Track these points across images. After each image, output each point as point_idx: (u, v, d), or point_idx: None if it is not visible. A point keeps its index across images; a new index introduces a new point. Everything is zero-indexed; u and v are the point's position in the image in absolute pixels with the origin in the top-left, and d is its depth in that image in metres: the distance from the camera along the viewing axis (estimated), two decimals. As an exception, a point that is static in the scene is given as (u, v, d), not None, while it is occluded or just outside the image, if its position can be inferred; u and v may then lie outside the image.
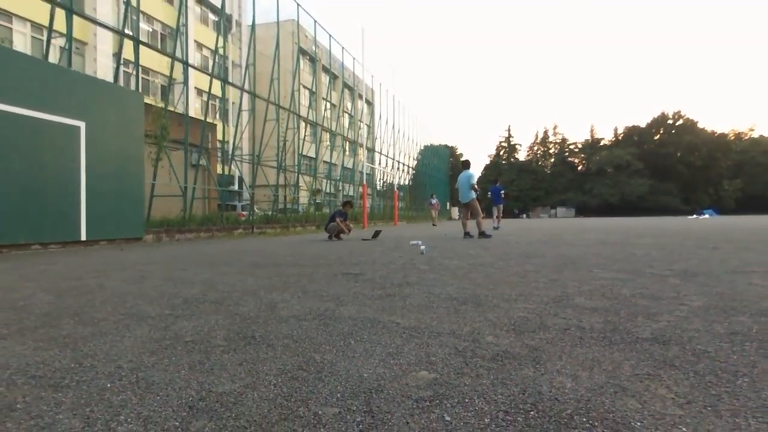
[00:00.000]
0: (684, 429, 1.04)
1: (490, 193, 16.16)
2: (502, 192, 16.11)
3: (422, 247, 6.07)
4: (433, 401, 1.22)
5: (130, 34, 11.98)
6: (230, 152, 17.15)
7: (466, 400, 1.22)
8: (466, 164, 9.88)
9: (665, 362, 1.51)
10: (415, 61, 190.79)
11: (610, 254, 5.42)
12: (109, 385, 1.38)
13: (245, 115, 18.36)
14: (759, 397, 1.21)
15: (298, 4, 19.60)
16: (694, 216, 32.22)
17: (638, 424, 1.07)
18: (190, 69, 14.21)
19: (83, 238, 9.41)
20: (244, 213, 20.38)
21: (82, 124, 9.35)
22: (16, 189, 8.16)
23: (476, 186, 9.56)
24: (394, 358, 1.61)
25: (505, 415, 1.13)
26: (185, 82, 13.07)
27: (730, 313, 2.22)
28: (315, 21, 21.55)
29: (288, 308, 2.53)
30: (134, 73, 12.15)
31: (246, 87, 17.16)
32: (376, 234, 9.89)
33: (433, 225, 20.04)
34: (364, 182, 21.80)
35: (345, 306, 2.58)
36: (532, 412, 1.14)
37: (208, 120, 15.51)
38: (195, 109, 27.32)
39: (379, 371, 1.47)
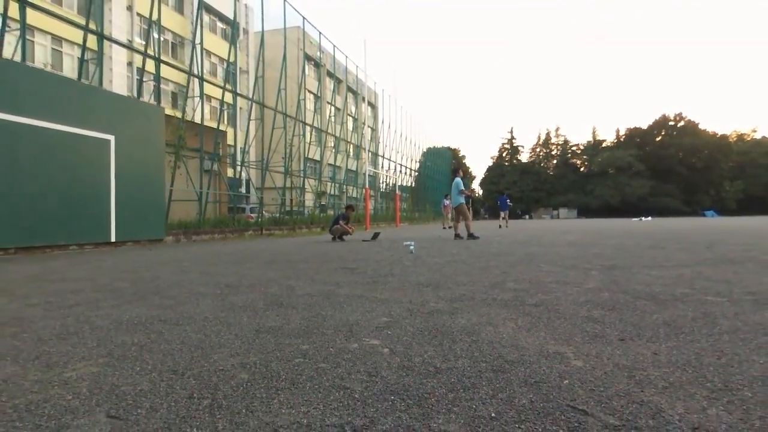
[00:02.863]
0: (504, 335, 2.10)
1: (498, 201, 21.40)
2: (508, 201, 21.38)
3: (411, 247, 7.13)
4: (384, 329, 2.28)
5: (153, 54, 13.09)
6: (239, 156, 18.25)
7: (401, 329, 2.28)
8: (455, 171, 10.95)
9: (527, 314, 2.57)
10: (417, 64, 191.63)
11: (568, 253, 6.46)
12: (205, 324, 2.46)
13: (253, 123, 19.45)
14: (554, 326, 2.27)
15: (303, 18, 20.73)
16: (638, 219, 33.25)
17: (483, 335, 2.13)
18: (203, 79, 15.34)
19: (113, 239, 10.53)
20: (252, 215, 21.51)
21: (111, 138, 10.47)
22: (57, 196, 9.30)
23: (465, 191, 10.60)
24: (369, 313, 2.67)
25: (420, 334, 2.19)
26: (201, 96, 14.18)
27: (601, 291, 3.27)
28: (320, 33, 22.68)
29: (302, 289, 3.60)
30: (153, 85, 13.30)
31: (255, 97, 18.27)
32: (375, 236, 10.95)
33: (444, 227, 20.22)
34: (367, 185, 22.84)
35: (342, 288, 3.64)
36: (434, 331, 2.20)
37: (217, 124, 16.59)
38: (205, 113, 28.35)
39: (358, 318, 2.54)
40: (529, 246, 8.10)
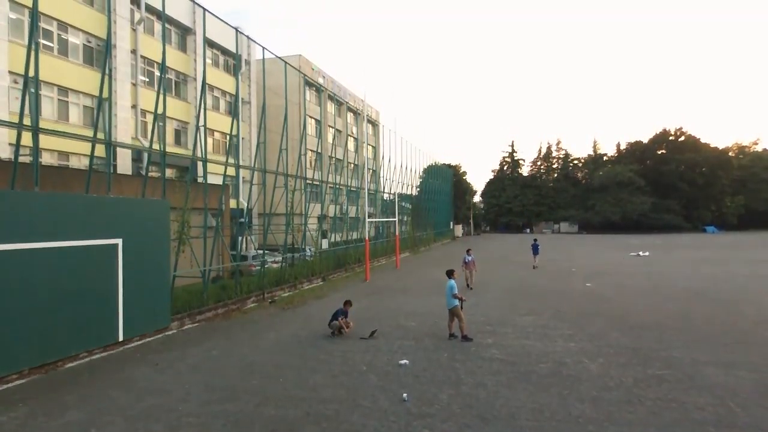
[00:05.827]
0: None
1: (532, 247, 26.82)
2: (538, 246, 26.85)
3: (405, 395, 7.52)
4: None
5: (158, 149, 13.48)
6: (241, 187, 18.63)
7: None
8: (449, 274, 11.37)
9: None
10: (417, 79, 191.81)
11: (548, 416, 6.84)
12: None
13: (255, 188, 19.85)
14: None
15: (303, 75, 21.11)
16: (635, 254, 33.36)
17: None
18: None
19: (120, 338, 10.95)
20: (254, 264, 21.91)
21: (119, 241, 10.88)
22: (66, 308, 9.67)
23: (459, 295, 10.97)
24: None
25: None
26: (204, 175, 14.59)
27: None
28: (321, 87, 23.08)
29: None
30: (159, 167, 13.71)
31: (256, 164, 18.68)
32: (373, 333, 11.34)
33: (468, 285, 18.70)
34: (367, 237, 23.21)
35: None
36: None
37: (222, 181, 16.96)
38: (208, 146, 28.69)
39: None
40: (516, 384, 8.51)
